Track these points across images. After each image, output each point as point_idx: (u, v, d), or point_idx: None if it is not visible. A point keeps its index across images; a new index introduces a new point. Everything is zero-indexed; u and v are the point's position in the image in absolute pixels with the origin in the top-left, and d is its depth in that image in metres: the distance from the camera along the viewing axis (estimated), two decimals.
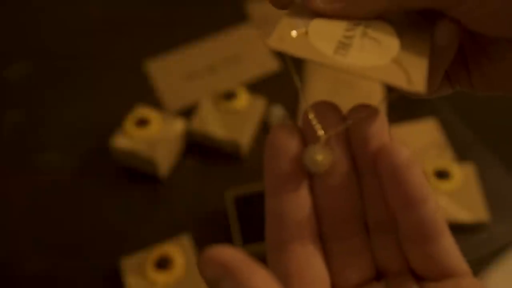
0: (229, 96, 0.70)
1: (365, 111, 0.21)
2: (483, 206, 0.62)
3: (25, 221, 0.65)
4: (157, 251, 0.57)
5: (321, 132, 0.21)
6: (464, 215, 0.61)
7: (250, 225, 0.60)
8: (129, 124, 0.67)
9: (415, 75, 0.21)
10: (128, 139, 0.66)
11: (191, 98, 0.75)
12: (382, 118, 0.21)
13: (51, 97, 0.77)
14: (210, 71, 0.79)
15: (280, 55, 0.79)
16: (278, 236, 0.21)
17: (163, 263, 0.57)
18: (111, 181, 0.68)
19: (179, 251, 0.58)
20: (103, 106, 0.76)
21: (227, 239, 0.60)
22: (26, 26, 0.87)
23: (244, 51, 0.81)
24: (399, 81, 0.21)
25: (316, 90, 0.74)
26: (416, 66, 0.22)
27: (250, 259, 0.18)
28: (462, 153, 0.68)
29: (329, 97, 0.73)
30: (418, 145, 0.69)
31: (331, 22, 0.23)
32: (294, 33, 0.22)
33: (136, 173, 0.67)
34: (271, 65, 0.79)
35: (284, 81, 0.77)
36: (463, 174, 0.64)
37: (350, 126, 0.21)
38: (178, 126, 0.68)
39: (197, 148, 0.70)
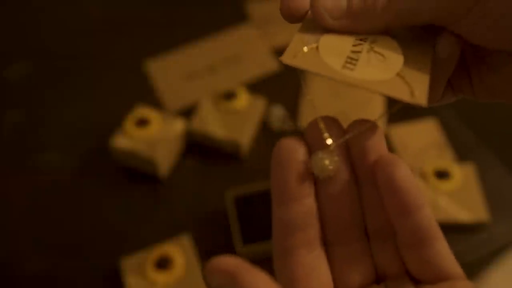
0: (229, 96, 0.70)
1: (365, 125, 0.23)
2: (483, 206, 0.62)
3: (25, 221, 0.65)
4: (157, 251, 0.57)
5: (329, 140, 0.22)
6: (464, 215, 0.61)
7: (250, 225, 0.60)
8: (129, 124, 0.67)
9: (417, 89, 0.23)
10: (128, 139, 0.66)
11: (191, 98, 0.75)
12: (379, 132, 0.23)
13: (51, 97, 0.77)
14: (210, 71, 0.79)
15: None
16: (285, 242, 0.23)
17: (163, 263, 0.57)
18: (111, 181, 0.68)
19: (179, 251, 0.58)
20: (103, 106, 0.76)
21: (227, 239, 0.60)
22: (26, 26, 0.87)
23: (244, 51, 0.81)
24: (403, 95, 0.22)
25: (317, 92, 0.74)
26: (419, 80, 0.23)
27: (252, 266, 0.19)
28: (462, 153, 0.68)
29: (329, 98, 0.73)
30: (418, 145, 0.69)
31: (339, 38, 0.24)
32: (305, 49, 0.23)
33: (136, 173, 0.67)
34: (271, 65, 0.79)
35: (284, 81, 0.77)
36: (463, 174, 0.64)
37: (351, 139, 0.23)
38: (178, 126, 0.68)
39: (197, 148, 0.70)
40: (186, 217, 0.64)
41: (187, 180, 0.68)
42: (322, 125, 0.23)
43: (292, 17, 0.25)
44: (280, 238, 0.23)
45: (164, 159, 0.66)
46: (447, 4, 0.23)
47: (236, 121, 0.69)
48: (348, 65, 0.23)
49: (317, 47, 0.24)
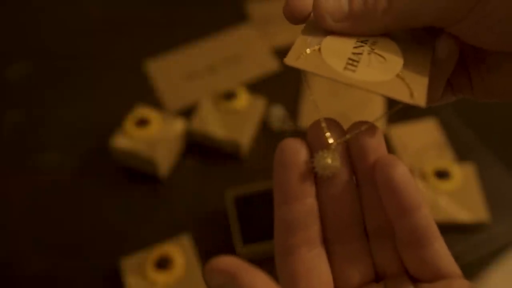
0: (229, 96, 0.70)
1: (364, 127, 0.23)
2: (483, 206, 0.62)
3: (25, 221, 0.65)
4: (157, 251, 0.57)
5: (331, 140, 0.23)
6: (464, 215, 0.61)
7: (250, 225, 0.60)
8: (129, 124, 0.67)
9: (416, 90, 0.23)
10: (128, 139, 0.66)
11: (191, 98, 0.75)
12: (379, 133, 0.23)
13: (51, 97, 0.77)
14: (210, 71, 0.79)
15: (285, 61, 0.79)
16: (286, 240, 0.23)
17: (163, 263, 0.57)
18: (111, 181, 0.68)
19: (179, 251, 0.58)
20: (103, 106, 0.76)
21: (227, 239, 0.60)
22: (26, 26, 0.87)
23: (244, 51, 0.81)
24: (402, 96, 0.23)
25: (317, 92, 0.74)
26: (418, 82, 0.24)
27: (251, 266, 0.20)
28: (462, 153, 0.68)
29: (329, 99, 0.73)
30: (418, 145, 0.69)
31: (341, 39, 0.25)
32: (308, 51, 0.24)
33: (136, 173, 0.67)
34: (271, 65, 0.79)
35: (284, 81, 0.77)
36: (463, 174, 0.64)
37: (351, 140, 0.23)
38: (178, 126, 0.68)
39: (197, 148, 0.70)
40: (186, 217, 0.64)
41: (187, 180, 0.68)
42: (324, 125, 0.24)
43: (294, 18, 0.25)
44: (281, 237, 0.23)
45: (164, 159, 0.66)
46: (446, 7, 0.23)
47: (236, 121, 0.69)
48: (350, 66, 0.24)
49: (319, 49, 0.24)
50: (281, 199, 0.23)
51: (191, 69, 0.79)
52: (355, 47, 0.25)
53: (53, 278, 0.60)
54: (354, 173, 0.24)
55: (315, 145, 0.23)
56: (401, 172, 0.22)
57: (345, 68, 0.24)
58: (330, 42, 0.25)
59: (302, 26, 0.26)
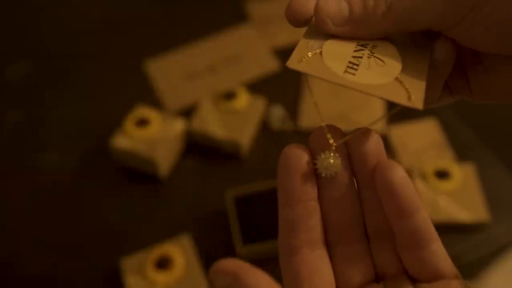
0: (229, 96, 0.70)
1: (364, 132, 0.24)
2: (483, 206, 0.62)
3: (25, 221, 0.65)
4: (157, 251, 0.57)
5: (332, 141, 0.24)
6: (464, 215, 0.61)
7: (250, 225, 0.60)
8: (129, 124, 0.67)
9: (414, 93, 0.24)
10: (128, 139, 0.66)
11: (191, 98, 0.75)
12: (378, 139, 0.24)
13: (51, 97, 0.77)
14: (210, 71, 0.79)
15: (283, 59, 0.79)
16: (290, 241, 0.24)
17: (163, 263, 0.57)
18: (111, 181, 0.68)
19: (179, 251, 0.58)
20: (103, 106, 0.76)
21: (227, 239, 0.60)
22: (26, 26, 0.87)
23: (244, 51, 0.81)
24: (400, 99, 0.24)
25: (317, 93, 0.74)
26: (416, 84, 0.24)
27: (254, 267, 0.21)
28: (462, 153, 0.68)
29: (329, 99, 0.73)
30: (418, 145, 0.69)
31: (342, 43, 0.26)
32: (310, 54, 0.25)
33: (136, 173, 0.67)
34: (271, 65, 0.79)
35: (284, 81, 0.77)
36: (463, 174, 0.64)
37: (351, 146, 0.24)
38: (178, 126, 0.68)
39: (197, 148, 0.70)
40: (186, 217, 0.64)
41: (187, 180, 0.68)
42: (325, 128, 0.24)
43: (296, 22, 0.26)
44: (285, 238, 0.24)
45: (164, 159, 0.66)
46: (443, 11, 0.24)
47: (236, 121, 0.69)
48: (350, 69, 0.24)
49: (320, 52, 0.25)
50: (284, 201, 0.24)
51: (191, 69, 0.79)
52: (355, 51, 0.25)
53: (53, 278, 0.60)
54: (355, 177, 0.25)
55: (317, 148, 0.24)
56: (400, 175, 0.23)
57: (345, 71, 0.24)
58: (331, 46, 0.25)
59: (303, 28, 0.27)
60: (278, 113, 0.72)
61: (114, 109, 0.71)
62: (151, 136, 0.66)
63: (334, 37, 0.26)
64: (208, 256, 0.59)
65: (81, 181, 0.68)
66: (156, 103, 0.74)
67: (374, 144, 0.24)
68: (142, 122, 0.67)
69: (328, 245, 0.25)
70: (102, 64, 0.81)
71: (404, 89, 0.24)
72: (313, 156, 0.24)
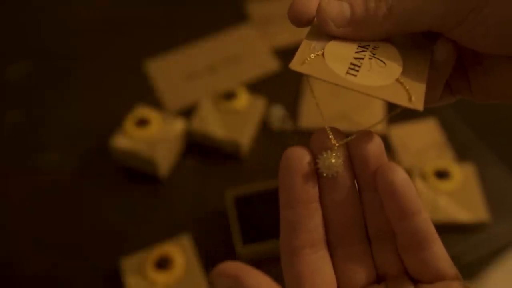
0: (229, 96, 0.70)
1: (365, 135, 0.25)
2: (483, 206, 0.62)
3: (25, 221, 0.65)
4: (157, 251, 0.57)
5: (334, 141, 0.24)
6: (464, 215, 0.61)
7: (250, 225, 0.60)
8: (129, 124, 0.67)
9: (415, 94, 0.24)
10: (128, 139, 0.66)
11: (191, 98, 0.75)
12: (379, 141, 0.25)
13: (51, 97, 0.77)
14: (210, 71, 0.79)
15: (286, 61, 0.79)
16: (291, 242, 0.24)
17: (163, 263, 0.57)
18: (111, 181, 0.68)
19: (179, 251, 0.58)
20: (103, 106, 0.76)
21: (227, 239, 0.60)
22: (26, 26, 0.87)
23: (244, 51, 0.81)
24: (401, 100, 0.24)
25: (317, 92, 0.74)
26: (416, 86, 0.25)
27: (255, 269, 0.21)
28: (462, 153, 0.68)
29: (330, 99, 0.73)
30: (418, 145, 0.69)
31: (343, 45, 0.26)
32: (312, 56, 0.25)
33: (136, 173, 0.67)
34: (271, 65, 0.79)
35: (284, 81, 0.77)
36: (463, 174, 0.64)
37: (353, 148, 0.25)
38: (178, 126, 0.68)
39: (197, 148, 0.70)
40: (186, 217, 0.64)
41: (187, 180, 0.68)
42: (327, 128, 0.25)
43: (299, 22, 0.26)
44: (287, 239, 0.24)
45: (164, 159, 0.66)
46: (443, 13, 0.25)
47: (236, 121, 0.69)
48: (351, 71, 0.25)
49: (322, 54, 0.25)
50: (286, 202, 0.24)
51: (191, 69, 0.79)
52: (356, 52, 0.26)
53: (53, 278, 0.60)
54: (356, 180, 0.25)
55: (318, 149, 0.25)
56: (402, 178, 0.23)
57: (347, 72, 0.25)
58: (333, 47, 0.26)
59: (303, 28, 0.27)
60: (278, 113, 0.72)
61: (114, 109, 0.71)
62: (151, 136, 0.66)
63: (336, 38, 0.26)
64: (208, 256, 0.59)
65: (81, 181, 0.68)
66: (156, 103, 0.74)
67: (375, 147, 0.24)
68: (142, 122, 0.67)
69: (330, 246, 0.25)
70: (102, 64, 0.81)
71: (405, 90, 0.24)
72: (315, 157, 0.24)
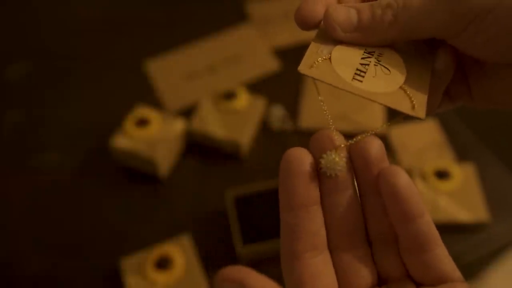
0: (229, 96, 0.70)
1: (368, 138, 0.25)
2: (483, 206, 0.62)
3: (25, 221, 0.65)
4: (157, 251, 0.57)
5: (338, 142, 0.24)
6: (464, 215, 0.61)
7: (250, 225, 0.60)
8: (129, 124, 0.67)
9: (417, 103, 0.25)
10: (128, 139, 0.66)
11: (191, 98, 0.75)
12: (380, 145, 0.25)
13: (51, 97, 0.77)
14: (210, 71, 0.79)
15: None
16: (292, 245, 0.24)
17: (163, 263, 0.57)
18: (111, 181, 0.68)
19: (179, 251, 0.58)
20: (103, 106, 0.76)
21: (227, 239, 0.60)
22: (26, 26, 0.87)
23: (244, 51, 0.81)
24: (404, 108, 0.25)
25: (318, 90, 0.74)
26: (419, 94, 0.26)
27: (260, 275, 0.21)
28: (462, 153, 0.68)
29: (330, 99, 0.73)
30: (418, 145, 0.69)
31: (349, 50, 0.27)
32: (320, 60, 0.26)
33: (136, 173, 0.67)
34: (271, 65, 0.79)
35: (284, 81, 0.77)
36: (463, 174, 0.64)
37: (353, 151, 0.25)
38: (178, 126, 0.68)
39: (197, 148, 0.70)
40: (186, 217, 0.64)
41: (187, 180, 0.68)
42: (332, 131, 0.25)
43: (305, 25, 0.27)
44: (287, 242, 0.24)
45: (164, 159, 0.66)
46: (446, 21, 0.25)
47: (236, 121, 0.69)
48: (357, 76, 0.25)
49: (329, 58, 0.26)
50: (286, 205, 0.24)
51: (191, 69, 0.79)
52: (362, 58, 0.26)
53: (53, 278, 0.60)
54: (357, 183, 0.25)
55: (319, 149, 0.24)
56: (404, 181, 0.23)
57: (354, 78, 0.25)
58: (339, 52, 0.26)
59: (303, 29, 0.27)
60: (278, 113, 0.72)
61: (114, 109, 0.71)
62: (151, 136, 0.66)
63: (342, 43, 0.27)
64: (208, 256, 0.59)
65: (81, 181, 0.68)
66: (156, 103, 0.74)
67: (376, 150, 0.24)
68: (142, 122, 0.67)
69: (331, 249, 0.25)
70: (102, 64, 0.81)
71: (408, 98, 0.25)
72: (315, 158, 0.24)
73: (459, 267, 0.25)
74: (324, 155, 0.24)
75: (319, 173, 0.24)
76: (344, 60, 0.26)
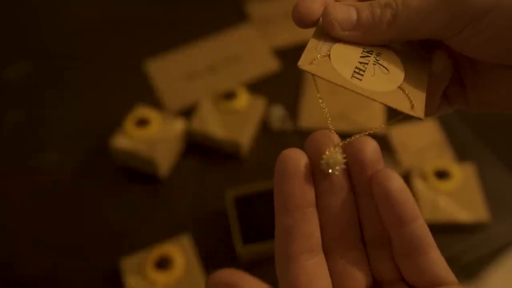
0: (229, 96, 0.70)
1: (363, 141, 0.24)
2: (483, 206, 0.62)
3: (25, 221, 0.65)
4: (157, 251, 0.57)
5: (337, 140, 0.24)
6: (464, 215, 0.61)
7: (250, 225, 0.60)
8: (129, 124, 0.67)
9: (416, 103, 0.25)
10: (128, 139, 0.66)
11: (191, 98, 0.75)
12: (376, 147, 0.24)
13: (51, 97, 0.77)
14: (210, 71, 0.79)
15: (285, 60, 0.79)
16: (287, 247, 0.24)
17: (163, 263, 0.57)
18: (111, 181, 0.68)
19: (179, 251, 0.58)
20: (103, 106, 0.76)
21: (227, 239, 0.60)
22: (26, 26, 0.87)
23: (244, 51, 0.81)
24: (403, 107, 0.25)
25: (315, 90, 0.74)
26: (417, 94, 0.26)
27: (253, 277, 0.21)
28: (462, 153, 0.68)
29: (329, 98, 0.73)
30: (418, 145, 0.69)
31: (348, 48, 0.27)
32: (319, 56, 0.26)
33: (136, 173, 0.67)
34: (271, 65, 0.79)
35: (284, 81, 0.77)
36: (463, 174, 0.64)
37: (348, 153, 0.24)
38: (178, 126, 0.68)
39: (197, 148, 0.70)
40: (186, 217, 0.64)
41: (187, 180, 0.68)
42: (330, 131, 0.25)
43: (303, 23, 0.27)
44: (282, 244, 0.24)
45: (164, 159, 0.66)
46: (444, 21, 0.25)
47: (236, 121, 0.69)
48: (356, 75, 0.25)
49: (329, 55, 0.26)
50: (282, 207, 0.24)
51: (191, 69, 0.79)
52: (361, 57, 0.26)
53: (53, 278, 0.60)
54: (352, 185, 0.25)
55: (319, 148, 0.24)
56: (397, 185, 0.23)
57: (353, 76, 0.25)
58: (338, 50, 0.26)
59: (314, 29, 0.27)
60: (278, 113, 0.72)
61: (114, 109, 0.71)
62: (151, 136, 0.66)
63: (341, 42, 0.27)
64: (208, 256, 0.59)
65: (81, 181, 0.68)
66: (156, 103, 0.74)
67: (371, 152, 0.24)
68: (142, 122, 0.67)
69: (326, 251, 0.25)
70: (102, 64, 0.81)
71: (407, 97, 0.25)
72: (312, 158, 0.24)
73: (459, 267, 0.25)
74: (327, 152, 0.24)
75: (314, 175, 0.24)
76: (343, 58, 0.26)
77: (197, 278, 0.57)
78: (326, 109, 0.27)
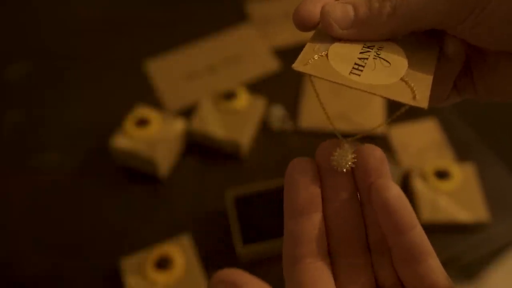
0: (229, 96, 0.70)
1: (370, 149, 0.25)
2: (483, 206, 0.61)
3: (25, 221, 0.65)
4: (157, 251, 0.57)
5: (343, 140, 0.25)
6: (464, 215, 0.61)
7: (250, 225, 0.60)
8: (129, 124, 0.67)
9: (419, 92, 0.24)
10: (128, 139, 0.66)
11: (191, 98, 0.75)
12: (381, 156, 0.25)
13: (51, 97, 0.77)
14: (210, 71, 0.79)
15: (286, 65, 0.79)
16: (294, 251, 0.25)
17: (163, 263, 0.57)
18: (111, 181, 0.68)
19: (179, 251, 0.58)
20: (103, 106, 0.76)
21: (227, 239, 0.60)
22: (26, 26, 0.87)
23: (244, 51, 0.81)
24: (405, 99, 0.24)
25: (317, 90, 0.74)
26: (422, 84, 0.25)
27: (254, 277, 0.22)
28: (462, 153, 0.68)
29: (330, 98, 0.73)
30: (418, 145, 0.69)
31: (348, 45, 0.26)
32: (316, 57, 0.25)
33: (136, 173, 0.67)
34: (271, 65, 0.79)
35: (284, 81, 0.77)
36: (463, 174, 0.64)
37: (355, 163, 0.25)
38: (178, 126, 0.68)
39: (197, 148, 0.70)
40: (186, 217, 0.64)
41: (187, 180, 0.68)
42: (337, 130, 0.25)
43: (304, 26, 0.26)
44: (290, 248, 0.25)
45: (164, 159, 0.66)
46: (447, 10, 0.25)
47: (236, 121, 0.69)
48: (355, 71, 0.25)
49: (326, 55, 0.26)
50: (290, 213, 0.25)
51: (191, 69, 0.79)
52: (361, 53, 0.26)
53: (53, 278, 0.60)
54: (358, 192, 0.25)
55: (329, 153, 0.25)
56: (395, 194, 0.24)
57: (351, 72, 0.25)
58: (337, 48, 0.26)
59: (312, 34, 0.27)
60: (278, 113, 0.72)
61: (114, 109, 0.71)
62: (151, 136, 0.66)
63: (341, 40, 0.26)
64: (208, 256, 0.59)
65: (81, 181, 0.68)
66: (156, 103, 0.74)
67: (377, 162, 0.25)
68: (142, 122, 0.67)
69: (331, 256, 0.25)
70: (102, 64, 0.81)
71: (409, 88, 0.25)
72: (323, 163, 0.25)
73: (459, 267, 0.25)
74: (335, 153, 0.25)
75: (322, 181, 0.25)
76: (342, 56, 0.26)
77: (197, 278, 0.57)
78: (325, 110, 0.27)
